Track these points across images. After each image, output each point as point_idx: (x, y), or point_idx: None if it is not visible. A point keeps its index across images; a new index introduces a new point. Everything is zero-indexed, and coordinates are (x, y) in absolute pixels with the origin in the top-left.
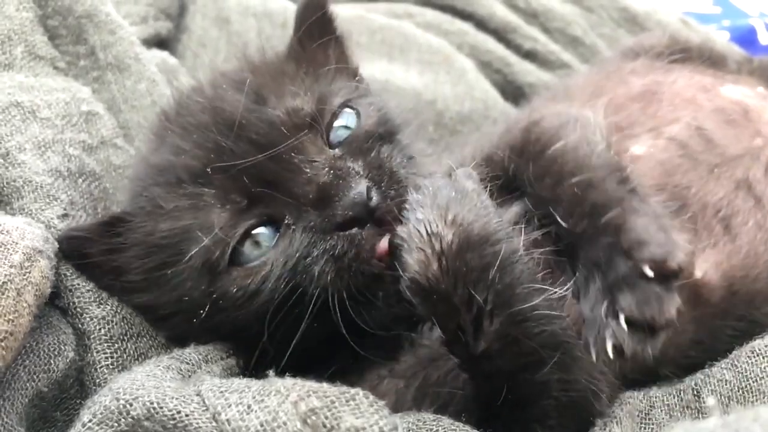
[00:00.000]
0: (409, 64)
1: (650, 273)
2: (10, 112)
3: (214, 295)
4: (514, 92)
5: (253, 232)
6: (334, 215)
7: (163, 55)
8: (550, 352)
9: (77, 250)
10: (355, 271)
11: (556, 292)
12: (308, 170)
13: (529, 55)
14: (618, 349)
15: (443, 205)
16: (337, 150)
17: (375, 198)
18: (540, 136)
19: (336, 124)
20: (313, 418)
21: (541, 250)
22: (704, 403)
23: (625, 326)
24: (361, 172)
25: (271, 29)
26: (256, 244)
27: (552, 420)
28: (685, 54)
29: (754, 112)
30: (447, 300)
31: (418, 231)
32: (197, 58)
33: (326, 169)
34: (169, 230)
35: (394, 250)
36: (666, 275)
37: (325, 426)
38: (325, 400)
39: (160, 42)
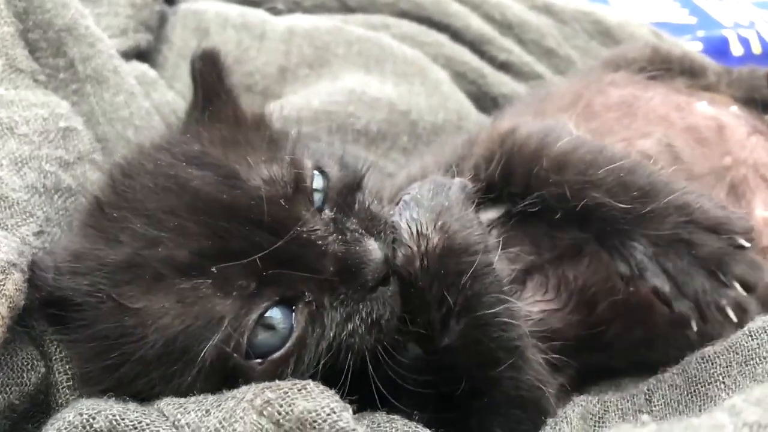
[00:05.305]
0: (384, 75)
1: (747, 243)
2: None
3: None
4: (488, 103)
5: (265, 315)
6: (365, 281)
7: (143, 67)
8: (505, 354)
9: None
10: (390, 330)
11: (518, 305)
12: (319, 242)
13: (504, 67)
14: (737, 312)
15: (436, 211)
16: (326, 211)
17: (383, 251)
18: (528, 140)
19: (314, 186)
20: (269, 409)
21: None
22: (641, 418)
23: (743, 291)
24: (363, 231)
25: (249, 41)
26: (269, 328)
27: (503, 411)
28: (666, 66)
29: (728, 130)
30: (421, 295)
31: (410, 229)
32: (177, 68)
33: (333, 236)
34: (159, 339)
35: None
36: (750, 241)
37: (279, 413)
38: (279, 391)
39: (139, 54)
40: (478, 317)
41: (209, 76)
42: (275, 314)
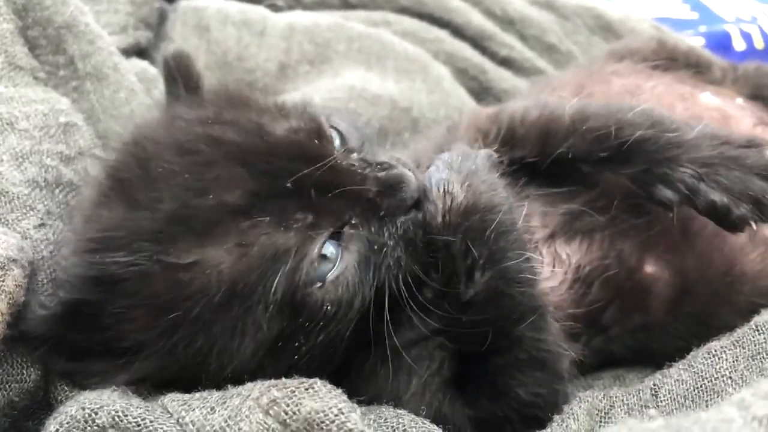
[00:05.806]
0: (386, 71)
1: None
2: None
3: (298, 326)
4: (489, 99)
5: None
6: (404, 199)
7: (143, 64)
8: (528, 309)
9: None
10: (422, 249)
11: (539, 260)
12: (359, 170)
13: (505, 62)
14: None
15: (464, 174)
16: (354, 155)
17: (417, 179)
18: (528, 112)
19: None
20: (275, 408)
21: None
22: (648, 413)
23: None
24: (394, 163)
25: (249, 38)
26: (324, 257)
27: (525, 371)
28: (671, 59)
29: (733, 120)
30: (447, 248)
31: (437, 187)
32: None
33: (368, 168)
34: (221, 285)
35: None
36: None
37: (286, 413)
38: (285, 390)
39: (139, 51)
40: (503, 269)
41: (185, 71)
42: (328, 245)
